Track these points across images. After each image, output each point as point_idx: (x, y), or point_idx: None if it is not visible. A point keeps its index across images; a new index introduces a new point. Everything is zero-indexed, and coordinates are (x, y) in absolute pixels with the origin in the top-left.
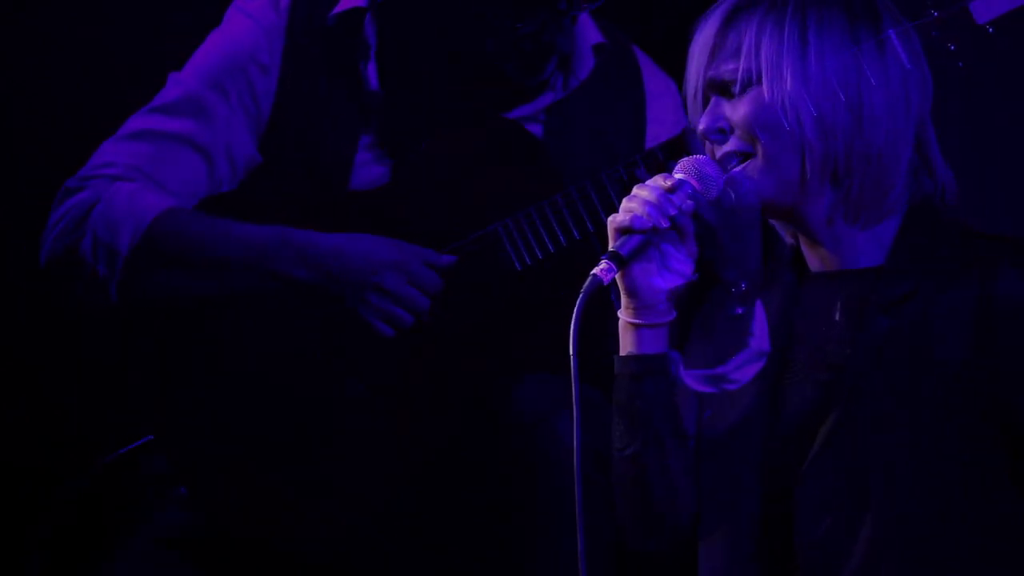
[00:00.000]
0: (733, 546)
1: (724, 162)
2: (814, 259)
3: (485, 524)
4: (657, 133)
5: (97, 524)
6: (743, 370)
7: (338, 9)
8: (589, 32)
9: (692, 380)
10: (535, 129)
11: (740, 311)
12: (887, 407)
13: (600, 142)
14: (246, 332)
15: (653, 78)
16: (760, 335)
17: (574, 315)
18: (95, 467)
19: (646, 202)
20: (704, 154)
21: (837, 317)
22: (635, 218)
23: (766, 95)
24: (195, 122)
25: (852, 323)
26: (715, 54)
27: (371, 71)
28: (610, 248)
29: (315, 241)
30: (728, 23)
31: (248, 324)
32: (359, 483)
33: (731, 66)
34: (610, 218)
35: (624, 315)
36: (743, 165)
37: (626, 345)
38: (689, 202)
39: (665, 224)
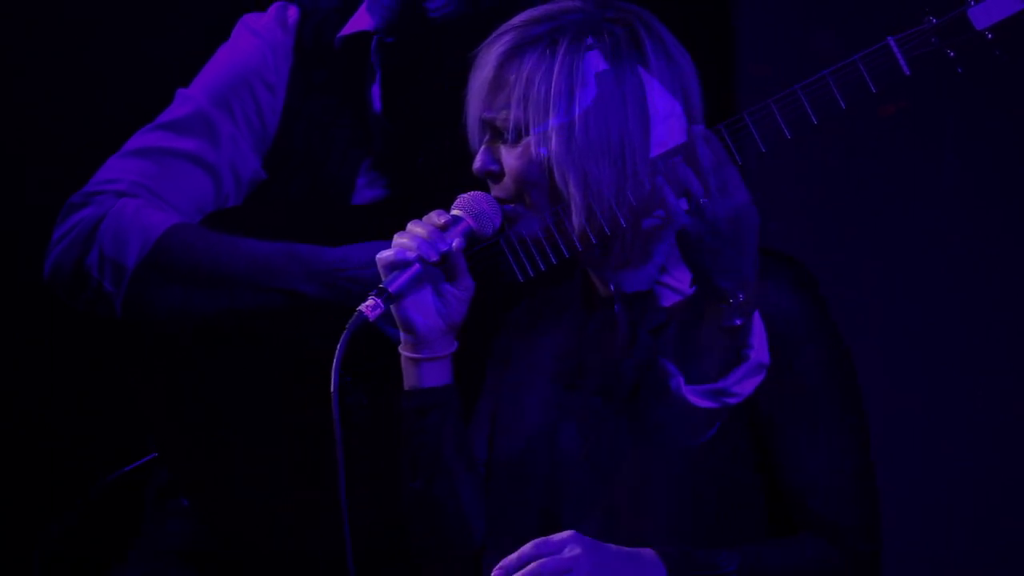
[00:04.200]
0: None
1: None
2: (598, 283)
3: None
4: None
5: (99, 536)
6: (744, 383)
7: (345, 31)
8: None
9: (693, 395)
10: None
11: (739, 322)
12: (648, 423)
13: None
14: (247, 342)
15: (656, 97)
16: (759, 346)
17: (337, 351)
18: (98, 483)
19: (416, 237)
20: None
21: (616, 340)
22: (399, 252)
23: (532, 150)
24: (201, 140)
25: (626, 346)
26: (490, 96)
27: (375, 94)
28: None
29: (320, 254)
30: (503, 64)
31: (250, 335)
32: (362, 494)
33: (503, 114)
34: (377, 255)
35: (404, 350)
36: (516, 205)
37: (409, 379)
38: (461, 240)
39: (433, 258)
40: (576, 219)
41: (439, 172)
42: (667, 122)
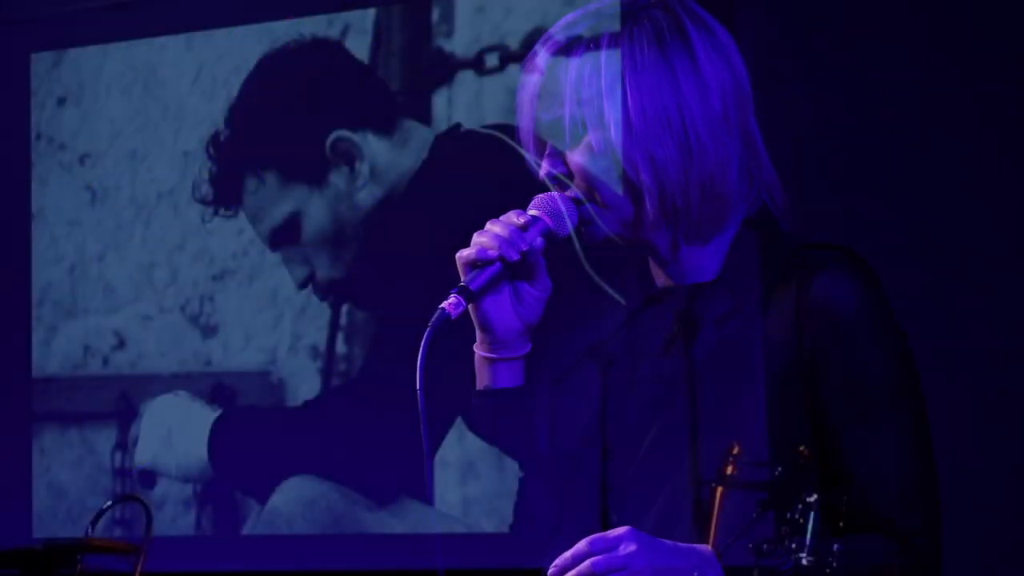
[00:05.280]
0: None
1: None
2: (659, 275)
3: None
4: None
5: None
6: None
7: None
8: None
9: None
10: None
11: None
12: (710, 416)
13: None
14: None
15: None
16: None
17: (421, 348)
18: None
19: (496, 236)
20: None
21: (671, 331)
22: (481, 251)
23: (594, 146)
24: None
25: (684, 336)
26: (544, 102)
27: None
28: (461, 283)
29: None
30: (551, 69)
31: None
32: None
33: (557, 115)
34: (458, 253)
35: (479, 349)
36: (588, 204)
37: (482, 379)
38: (540, 239)
39: (515, 258)
40: (649, 204)
41: (447, 167)
42: (720, 94)
